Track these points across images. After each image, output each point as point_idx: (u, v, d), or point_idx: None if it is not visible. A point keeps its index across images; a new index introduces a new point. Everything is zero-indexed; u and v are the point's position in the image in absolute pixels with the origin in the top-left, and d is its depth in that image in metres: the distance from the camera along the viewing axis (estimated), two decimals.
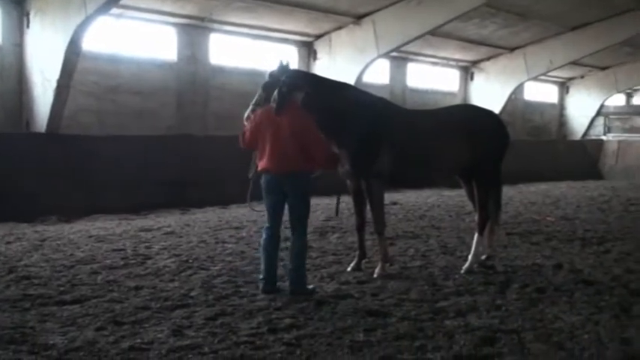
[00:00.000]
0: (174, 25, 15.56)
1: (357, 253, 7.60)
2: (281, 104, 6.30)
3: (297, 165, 6.33)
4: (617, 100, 30.66)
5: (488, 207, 7.71)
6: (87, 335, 4.96)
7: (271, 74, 6.75)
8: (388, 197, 15.11)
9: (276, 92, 6.39)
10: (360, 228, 7.55)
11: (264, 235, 6.54)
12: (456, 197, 15.23)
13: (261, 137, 6.42)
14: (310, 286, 6.46)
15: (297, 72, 7.34)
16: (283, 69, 6.75)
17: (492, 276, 7.29)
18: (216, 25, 16.19)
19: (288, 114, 6.33)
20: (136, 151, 13.27)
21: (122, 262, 7.65)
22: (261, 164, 6.41)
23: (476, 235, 7.66)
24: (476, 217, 7.79)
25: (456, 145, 7.53)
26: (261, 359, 4.56)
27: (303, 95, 6.54)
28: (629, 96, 33.18)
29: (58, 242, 8.92)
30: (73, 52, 12.22)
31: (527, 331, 5.29)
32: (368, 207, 7.40)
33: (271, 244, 6.47)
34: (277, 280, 6.51)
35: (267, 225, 6.55)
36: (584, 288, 6.79)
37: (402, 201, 14.57)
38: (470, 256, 7.59)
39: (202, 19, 15.67)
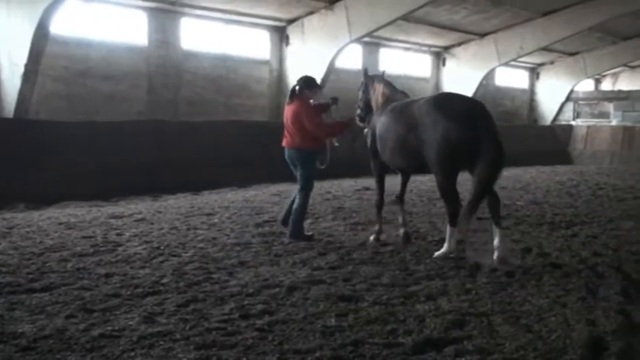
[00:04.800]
0: (145, 9, 15.38)
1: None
2: (290, 97, 8.43)
3: (297, 143, 8.28)
4: (586, 85, 31.06)
5: (450, 198, 7.44)
6: (56, 323, 4.91)
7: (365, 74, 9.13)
8: (360, 182, 15.24)
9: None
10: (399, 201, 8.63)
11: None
12: (429, 182, 15.32)
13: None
14: (309, 233, 8.47)
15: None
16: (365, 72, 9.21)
17: (463, 260, 7.37)
18: (187, 10, 16.05)
19: (293, 105, 8.32)
20: (106, 136, 13.13)
21: (92, 250, 7.57)
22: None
23: (447, 227, 7.59)
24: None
25: (406, 136, 7.59)
26: (233, 345, 4.57)
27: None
28: (597, 81, 33.64)
29: (27, 230, 8.81)
30: (41, 36, 12.04)
31: (497, 314, 5.36)
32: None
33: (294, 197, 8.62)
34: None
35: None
36: (552, 271, 6.90)
37: (375, 186, 14.60)
38: (445, 245, 7.58)
39: (173, 3, 15.51)
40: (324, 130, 8.43)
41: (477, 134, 6.97)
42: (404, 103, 8.11)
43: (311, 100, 8.57)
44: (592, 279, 6.57)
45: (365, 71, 9.25)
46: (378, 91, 8.63)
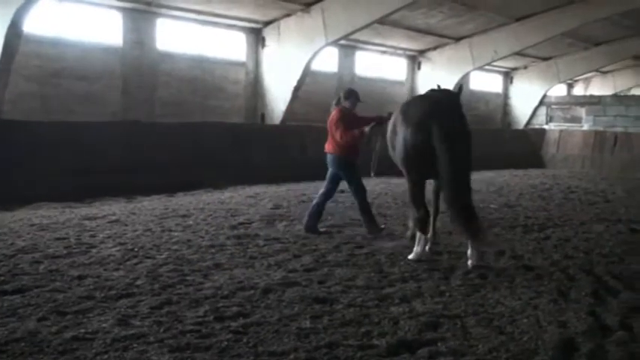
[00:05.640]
0: (120, 9, 15.24)
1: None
2: (333, 107, 9.18)
3: (330, 149, 9.06)
4: (559, 90, 31.45)
5: (415, 204, 7.56)
6: (28, 326, 4.86)
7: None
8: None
9: None
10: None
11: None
12: (403, 186, 15.41)
13: None
14: (382, 226, 9.31)
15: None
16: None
17: (437, 262, 7.44)
18: (163, 10, 15.93)
19: (332, 113, 9.06)
20: (80, 137, 12.99)
21: (65, 251, 7.49)
22: None
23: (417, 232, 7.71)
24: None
25: (391, 139, 7.82)
26: (208, 347, 4.56)
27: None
28: (570, 86, 34.08)
29: None
30: (14, 35, 11.87)
31: (470, 316, 5.43)
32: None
33: (320, 199, 9.25)
34: (315, 223, 9.18)
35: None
36: (524, 273, 7.00)
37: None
38: (414, 249, 7.68)
39: (149, 4, 15.38)
40: (345, 137, 8.81)
41: (430, 139, 7.00)
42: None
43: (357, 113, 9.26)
44: (563, 281, 6.68)
45: (460, 87, 8.58)
46: None
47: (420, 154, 7.20)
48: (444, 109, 7.29)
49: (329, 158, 9.12)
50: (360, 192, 9.10)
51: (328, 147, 9.11)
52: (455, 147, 6.98)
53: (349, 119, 8.95)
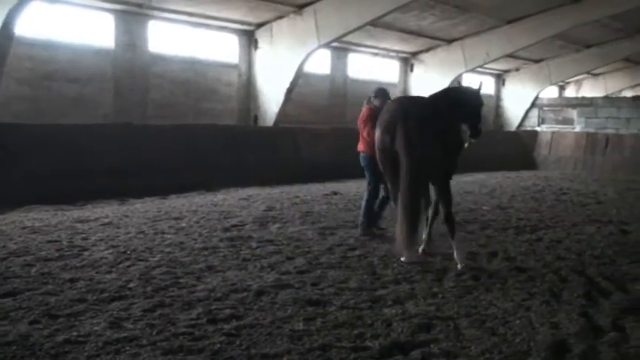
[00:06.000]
0: (111, 11, 15.20)
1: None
2: (364, 105, 9.33)
3: (360, 146, 9.20)
4: (551, 92, 31.56)
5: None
6: (20, 329, 4.84)
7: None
8: (329, 187, 15.27)
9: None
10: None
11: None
12: None
13: None
14: (382, 227, 9.32)
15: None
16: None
17: (430, 264, 7.45)
18: (154, 12, 15.91)
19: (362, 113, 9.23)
20: (72, 139, 12.94)
21: (57, 254, 7.46)
22: None
23: None
24: None
25: None
26: (200, 350, 4.55)
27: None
28: (561, 88, 34.23)
29: None
30: (5, 37, 11.83)
31: (462, 317, 5.44)
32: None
33: (368, 199, 9.19)
34: (374, 225, 9.24)
35: None
36: (517, 275, 7.02)
37: (343, 190, 14.68)
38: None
39: (140, 6, 15.35)
40: (372, 135, 8.64)
41: (393, 142, 7.10)
42: None
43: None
44: (556, 283, 6.70)
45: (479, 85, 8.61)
46: None
47: (388, 157, 7.31)
48: (410, 112, 7.21)
49: (361, 157, 9.23)
50: (373, 193, 9.16)
51: (360, 146, 9.21)
52: (414, 152, 6.95)
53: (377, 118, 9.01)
